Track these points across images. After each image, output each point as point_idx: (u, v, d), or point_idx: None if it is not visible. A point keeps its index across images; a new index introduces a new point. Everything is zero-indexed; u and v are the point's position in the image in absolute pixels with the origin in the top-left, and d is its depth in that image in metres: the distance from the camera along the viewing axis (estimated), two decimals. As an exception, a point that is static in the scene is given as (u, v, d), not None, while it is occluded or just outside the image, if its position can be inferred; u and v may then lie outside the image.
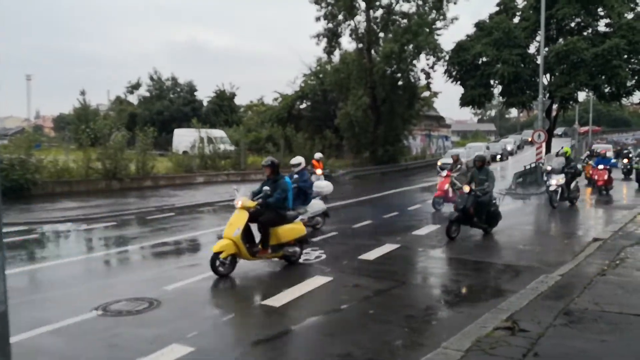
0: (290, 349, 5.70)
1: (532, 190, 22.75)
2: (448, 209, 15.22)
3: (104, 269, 9.50)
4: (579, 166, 19.04)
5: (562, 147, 19.83)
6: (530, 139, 26.63)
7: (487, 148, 45.67)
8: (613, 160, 22.66)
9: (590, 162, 23.27)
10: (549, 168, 19.02)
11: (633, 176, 25.81)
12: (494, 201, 12.89)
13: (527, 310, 6.27)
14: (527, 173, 26.07)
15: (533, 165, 26.57)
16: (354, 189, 25.19)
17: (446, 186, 16.50)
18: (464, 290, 8.04)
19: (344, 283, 8.12)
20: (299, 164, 13.01)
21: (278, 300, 7.13)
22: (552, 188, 17.00)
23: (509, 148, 53.82)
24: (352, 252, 10.30)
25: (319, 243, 11.30)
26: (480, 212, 12.20)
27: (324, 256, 9.89)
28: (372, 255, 10.01)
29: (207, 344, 5.66)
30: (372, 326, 6.27)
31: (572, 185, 17.51)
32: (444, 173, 16.92)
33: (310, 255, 9.91)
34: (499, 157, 46.86)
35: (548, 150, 29.23)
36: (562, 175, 17.12)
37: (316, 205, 12.78)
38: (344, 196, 21.26)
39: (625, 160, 29.20)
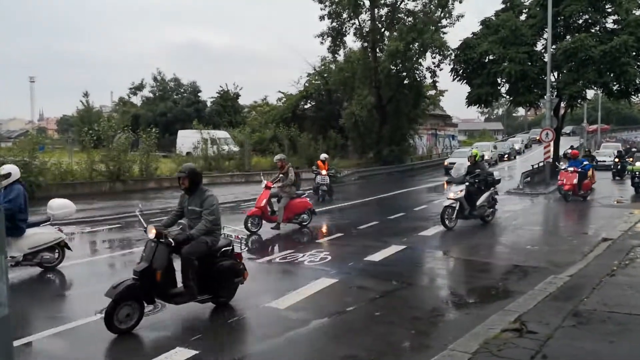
0: (295, 351, 5.63)
1: (540, 190, 22.61)
2: (266, 230, 12.87)
3: (108, 272, 9.46)
4: (497, 173, 15.27)
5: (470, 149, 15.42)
6: (538, 138, 26.47)
7: (495, 147, 45.49)
8: (586, 163, 20.25)
9: (563, 165, 21.09)
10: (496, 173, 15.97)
11: (630, 178, 23.91)
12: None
13: (535, 312, 6.19)
14: (535, 172, 25.92)
15: (541, 164, 26.43)
16: (359, 189, 25.13)
17: (263, 201, 12.77)
18: (470, 291, 7.96)
19: (350, 285, 8.06)
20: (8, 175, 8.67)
21: (283, 302, 7.07)
22: (445, 203, 13.29)
23: (516, 147, 53.58)
24: (357, 253, 10.23)
25: (324, 244, 11.25)
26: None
27: (329, 258, 9.82)
28: (377, 256, 9.94)
29: (211, 347, 5.61)
30: (378, 328, 6.20)
31: (483, 198, 13.52)
32: (263, 184, 13.22)
33: (316, 256, 9.85)
34: (506, 156, 46.65)
35: (557, 149, 29.01)
36: (462, 187, 13.20)
37: (37, 236, 8.90)
38: (349, 197, 21.21)
39: (616, 160, 28.84)
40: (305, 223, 13.42)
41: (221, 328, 6.26)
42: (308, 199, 13.74)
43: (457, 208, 13.02)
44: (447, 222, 12.91)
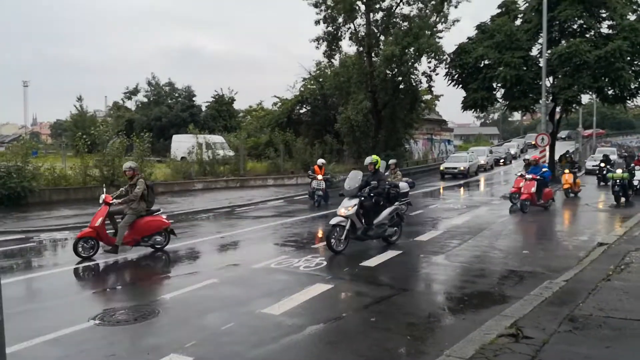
0: (290, 357, 5.59)
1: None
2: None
3: (102, 278, 9.40)
4: (404, 184, 14.04)
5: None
6: (533, 143, 26.55)
7: (491, 152, 45.59)
8: (545, 170, 18.54)
9: (522, 173, 19.08)
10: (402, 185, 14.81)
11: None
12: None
13: (531, 317, 6.18)
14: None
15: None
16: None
17: (99, 220, 10.54)
18: (466, 297, 7.93)
19: (345, 290, 8.04)
20: None
21: (278, 308, 7.03)
22: (333, 221, 10.86)
23: (512, 152, 53.76)
24: (353, 258, 10.20)
25: (320, 250, 11.21)
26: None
27: (324, 263, 9.79)
28: (373, 262, 9.92)
29: (206, 354, 5.57)
30: (374, 334, 6.17)
31: (383, 215, 11.37)
32: (102, 198, 10.80)
33: (311, 262, 9.82)
34: (502, 160, 46.74)
35: (552, 153, 29.07)
36: (355, 202, 10.93)
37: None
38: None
39: (602, 164, 28.40)
40: (159, 246, 11.12)
41: (216, 334, 6.21)
42: (164, 217, 11.37)
43: (347, 227, 10.72)
44: (334, 244, 10.58)
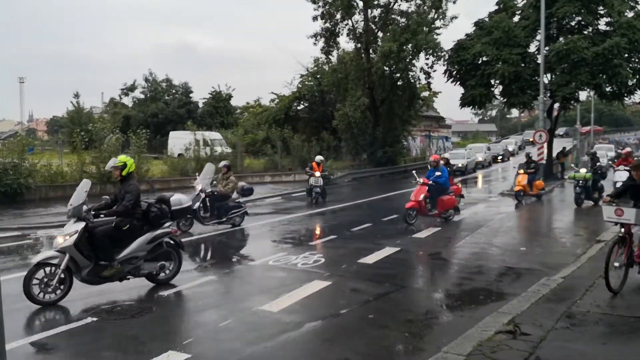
0: (288, 354, 5.59)
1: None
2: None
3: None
4: (185, 198, 9.26)
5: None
6: (531, 139, 26.53)
7: (489, 149, 45.61)
8: (438, 174, 14.29)
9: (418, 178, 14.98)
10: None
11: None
12: None
13: (529, 314, 6.20)
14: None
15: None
16: (352, 191, 25.11)
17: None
18: (464, 294, 7.95)
19: (343, 287, 8.03)
20: None
21: (276, 305, 7.03)
22: (39, 257, 7.67)
23: (510, 148, 53.78)
24: (351, 255, 10.20)
25: (318, 247, 11.21)
26: None
27: (322, 260, 9.79)
28: (371, 259, 9.91)
29: (203, 351, 5.57)
30: (372, 331, 6.18)
31: (133, 247, 7.90)
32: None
33: (309, 259, 9.82)
34: (500, 157, 46.77)
35: (550, 150, 29.09)
36: (78, 227, 7.55)
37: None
38: (342, 199, 21.19)
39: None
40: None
41: (213, 331, 6.21)
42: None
43: (62, 266, 7.26)
44: (38, 295, 7.15)
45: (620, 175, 17.85)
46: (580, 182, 17.92)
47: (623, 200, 7.57)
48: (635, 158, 19.67)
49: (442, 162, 15.41)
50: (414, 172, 17.21)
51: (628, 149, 24.12)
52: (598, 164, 19.00)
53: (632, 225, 7.15)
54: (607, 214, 7.21)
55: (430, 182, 14.05)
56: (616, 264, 6.97)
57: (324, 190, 19.58)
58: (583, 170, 18.09)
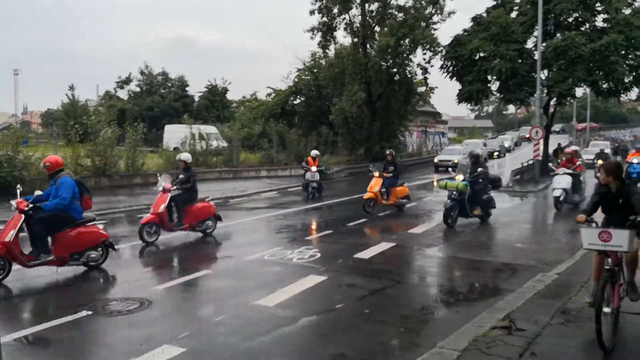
0: (283, 349, 5.58)
1: (529, 188, 22.69)
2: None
3: (94, 269, 9.34)
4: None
5: None
6: (527, 136, 26.57)
7: (485, 145, 45.65)
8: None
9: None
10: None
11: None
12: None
13: (524, 309, 6.21)
14: (524, 170, 26.02)
15: (531, 162, 26.54)
16: (349, 186, 25.11)
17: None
18: (460, 289, 7.95)
19: (339, 282, 8.02)
20: None
21: (271, 299, 7.02)
22: None
23: (506, 145, 53.84)
24: (347, 250, 10.19)
25: (313, 242, 11.20)
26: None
27: (318, 255, 9.78)
28: (367, 254, 9.90)
29: (199, 345, 5.55)
30: (367, 326, 6.17)
31: None
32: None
33: (305, 254, 9.80)
34: (496, 154, 46.81)
35: (546, 147, 29.14)
36: None
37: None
38: (338, 194, 21.19)
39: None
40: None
41: (209, 325, 6.20)
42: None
43: None
44: None
45: (560, 181, 16.04)
46: (454, 193, 13.21)
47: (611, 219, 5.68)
48: (603, 161, 15.25)
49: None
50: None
51: (573, 148, 20.80)
52: (480, 169, 13.60)
53: (624, 252, 5.35)
54: (588, 239, 5.32)
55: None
56: (607, 310, 5.07)
57: (320, 185, 19.54)
58: (459, 178, 13.42)
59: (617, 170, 5.62)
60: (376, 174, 15.44)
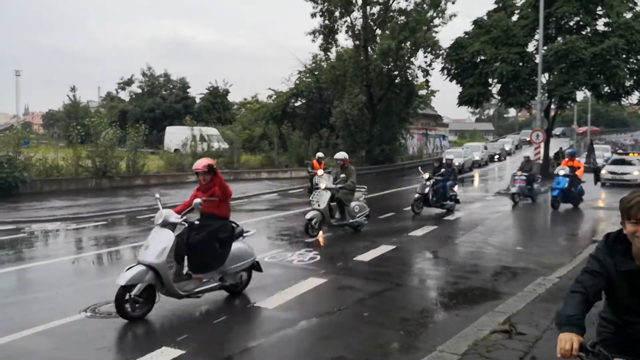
0: (283, 352, 5.56)
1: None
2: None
3: (94, 270, 9.34)
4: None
5: None
6: (528, 139, 26.53)
7: (485, 148, 45.59)
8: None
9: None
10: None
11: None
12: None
13: (525, 313, 6.18)
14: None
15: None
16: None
17: None
18: (460, 293, 7.93)
19: (339, 285, 8.01)
20: None
21: (271, 302, 7.00)
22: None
23: (507, 148, 53.74)
24: (347, 253, 10.19)
25: (313, 244, 11.18)
26: None
27: (318, 257, 9.76)
28: (367, 256, 9.88)
29: (198, 347, 5.53)
30: (367, 329, 6.15)
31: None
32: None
33: (305, 256, 9.78)
34: (497, 157, 46.73)
35: (547, 150, 29.11)
36: None
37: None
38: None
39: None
40: None
41: (208, 327, 6.18)
42: None
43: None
44: None
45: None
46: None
47: None
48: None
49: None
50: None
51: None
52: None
53: None
54: None
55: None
56: None
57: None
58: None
59: None
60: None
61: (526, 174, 18.45)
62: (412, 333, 6.11)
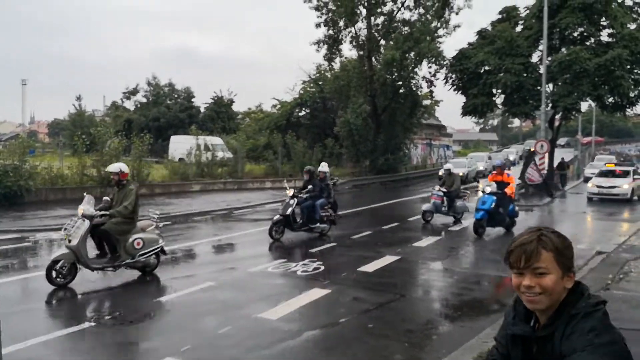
0: (286, 363, 5.55)
1: (534, 202, 22.61)
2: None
3: (98, 279, 9.34)
4: None
5: None
6: (532, 149, 26.48)
7: (489, 158, 45.56)
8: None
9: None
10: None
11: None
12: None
13: (530, 326, 6.12)
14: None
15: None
16: (353, 198, 25.03)
17: None
18: (465, 304, 7.90)
19: (343, 296, 7.98)
20: None
21: (275, 313, 6.98)
22: None
23: (511, 158, 53.68)
24: (351, 263, 10.15)
25: (317, 254, 11.17)
26: None
27: (322, 268, 9.73)
28: (371, 267, 9.85)
29: (201, 358, 5.52)
30: (371, 340, 6.13)
31: None
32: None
33: (309, 266, 9.77)
34: (500, 167, 46.61)
35: (551, 160, 29.06)
36: None
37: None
38: (343, 206, 21.01)
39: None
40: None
41: (211, 338, 6.16)
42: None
43: None
44: None
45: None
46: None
47: None
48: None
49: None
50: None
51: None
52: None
53: None
54: None
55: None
56: None
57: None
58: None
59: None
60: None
61: (445, 189, 15.87)
62: (417, 345, 6.09)
